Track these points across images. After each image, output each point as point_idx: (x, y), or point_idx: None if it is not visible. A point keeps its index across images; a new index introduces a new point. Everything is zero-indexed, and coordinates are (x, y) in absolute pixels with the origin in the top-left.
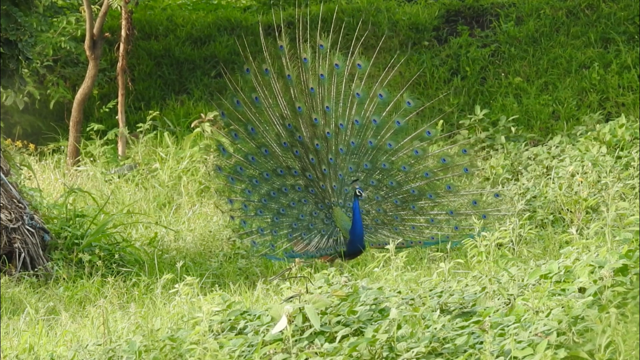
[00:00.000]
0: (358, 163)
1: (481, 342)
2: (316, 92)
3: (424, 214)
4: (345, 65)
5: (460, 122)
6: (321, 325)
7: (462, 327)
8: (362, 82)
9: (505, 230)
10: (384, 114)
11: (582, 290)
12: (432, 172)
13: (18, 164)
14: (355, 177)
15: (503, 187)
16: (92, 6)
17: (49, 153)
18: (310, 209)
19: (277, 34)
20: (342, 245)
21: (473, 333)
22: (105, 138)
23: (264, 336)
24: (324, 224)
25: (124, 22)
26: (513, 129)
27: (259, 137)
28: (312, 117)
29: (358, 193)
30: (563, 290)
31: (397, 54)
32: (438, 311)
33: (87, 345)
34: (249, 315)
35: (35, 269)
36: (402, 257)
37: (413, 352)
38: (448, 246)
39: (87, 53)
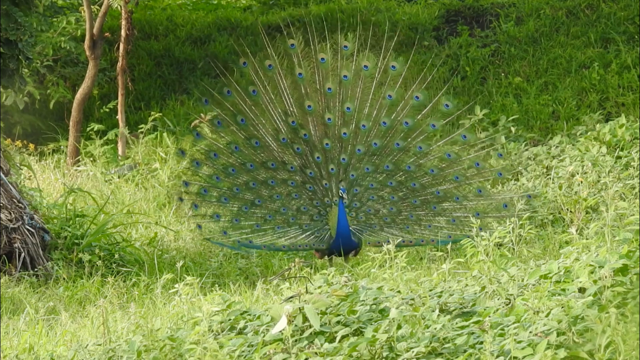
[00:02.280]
0: (378, 164)
1: (481, 342)
2: (335, 92)
3: (446, 215)
4: (376, 66)
5: (460, 122)
6: (321, 325)
7: (462, 327)
8: (397, 84)
9: (504, 230)
10: (419, 117)
11: (582, 290)
12: (464, 176)
13: (18, 164)
14: (340, 178)
15: (503, 187)
16: (92, 6)
17: (49, 153)
18: (299, 204)
19: (286, 33)
20: (324, 242)
21: (473, 333)
22: (105, 138)
23: (264, 336)
24: (313, 220)
25: (124, 22)
26: (513, 129)
27: (250, 129)
28: (325, 117)
29: (341, 195)
30: (563, 290)
31: (433, 54)
32: (438, 311)
33: (87, 345)
34: (249, 315)
35: (35, 269)
36: (401, 257)
37: (413, 352)
38: (448, 246)
39: (87, 53)
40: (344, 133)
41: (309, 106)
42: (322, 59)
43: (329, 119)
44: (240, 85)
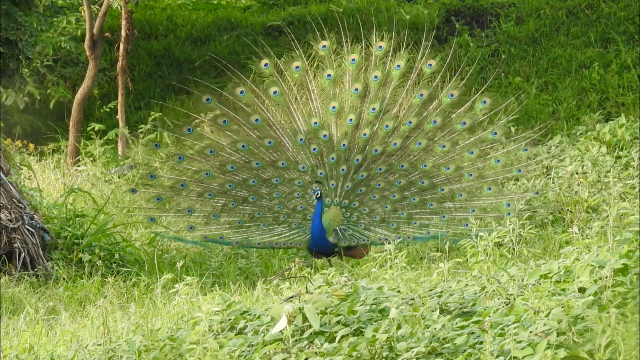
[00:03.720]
0: (393, 164)
1: (481, 342)
2: (361, 93)
3: (441, 213)
4: (408, 65)
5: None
6: (321, 325)
7: (462, 327)
8: (435, 82)
9: (503, 230)
10: (454, 115)
11: (582, 290)
12: (481, 174)
13: (18, 164)
14: (318, 178)
15: (503, 187)
16: (92, 6)
17: (49, 153)
18: (297, 203)
19: (319, 34)
20: (304, 242)
21: (473, 333)
22: (105, 138)
23: (264, 336)
24: (305, 219)
25: (124, 22)
26: (513, 129)
27: (265, 129)
28: (347, 118)
29: (317, 195)
30: (563, 290)
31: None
32: (438, 311)
33: (87, 345)
34: (249, 315)
35: (35, 269)
36: (401, 257)
37: (413, 352)
38: (446, 245)
39: (87, 53)
40: (364, 134)
41: (333, 107)
42: (353, 59)
43: (351, 119)
44: (258, 86)
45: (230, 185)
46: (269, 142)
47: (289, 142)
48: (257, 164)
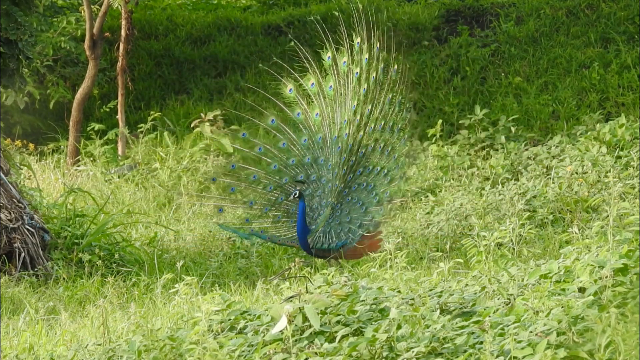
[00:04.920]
0: (366, 166)
1: (481, 342)
2: (367, 93)
3: (362, 219)
4: (393, 69)
5: (460, 122)
6: (321, 325)
7: (462, 327)
8: (397, 86)
9: (505, 230)
10: (407, 121)
11: (582, 290)
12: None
13: (18, 164)
14: (303, 180)
15: (503, 187)
16: (92, 6)
17: (49, 153)
18: (317, 201)
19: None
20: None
21: (473, 333)
22: (105, 138)
23: (264, 336)
24: (312, 219)
25: (124, 22)
26: (513, 129)
27: (319, 122)
28: (356, 117)
29: (295, 195)
30: (563, 290)
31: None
32: (438, 311)
33: (87, 345)
34: (248, 315)
35: (35, 269)
36: (401, 257)
37: (413, 351)
38: (447, 245)
39: (87, 53)
40: (361, 134)
41: (354, 105)
42: (366, 58)
43: (357, 119)
44: (324, 81)
45: (285, 179)
46: (319, 138)
47: (329, 139)
48: (307, 159)
